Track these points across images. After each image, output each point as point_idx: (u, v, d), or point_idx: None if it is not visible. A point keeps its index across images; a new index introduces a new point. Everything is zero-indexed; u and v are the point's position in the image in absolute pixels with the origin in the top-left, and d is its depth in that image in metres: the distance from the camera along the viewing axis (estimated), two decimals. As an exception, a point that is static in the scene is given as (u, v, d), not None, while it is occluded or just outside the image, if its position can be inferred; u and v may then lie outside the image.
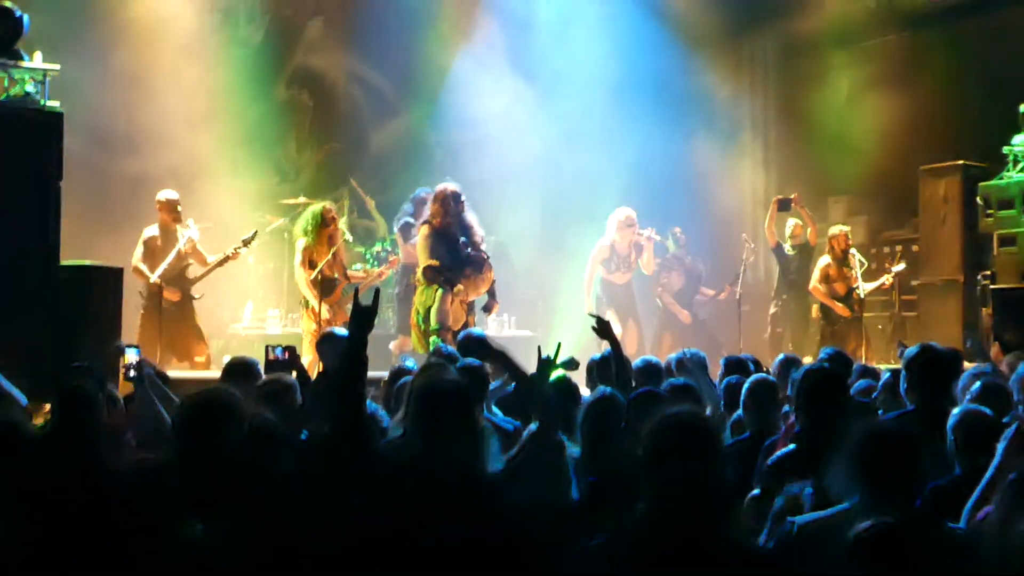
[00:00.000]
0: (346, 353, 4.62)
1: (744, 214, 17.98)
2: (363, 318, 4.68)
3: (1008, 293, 11.96)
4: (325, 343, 8.33)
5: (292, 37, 16.37)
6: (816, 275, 13.85)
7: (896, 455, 4.04)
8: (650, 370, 7.64)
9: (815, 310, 14.10)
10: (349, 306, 11.11)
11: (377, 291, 5.21)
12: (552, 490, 5.00)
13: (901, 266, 13.95)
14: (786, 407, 6.41)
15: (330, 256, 11.68)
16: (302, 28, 16.38)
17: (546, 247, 15.24)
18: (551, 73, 16.78)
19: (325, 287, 11.66)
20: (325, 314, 11.53)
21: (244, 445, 4.17)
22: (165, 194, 12.04)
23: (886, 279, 13.90)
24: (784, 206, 14.37)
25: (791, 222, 14.51)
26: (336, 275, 11.84)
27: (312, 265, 11.71)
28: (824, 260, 13.90)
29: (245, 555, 3.25)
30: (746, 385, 6.41)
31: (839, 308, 13.66)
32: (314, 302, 11.60)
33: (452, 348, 7.90)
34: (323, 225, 11.78)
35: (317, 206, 12.15)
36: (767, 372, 7.54)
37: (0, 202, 9.01)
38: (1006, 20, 15.26)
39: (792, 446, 5.45)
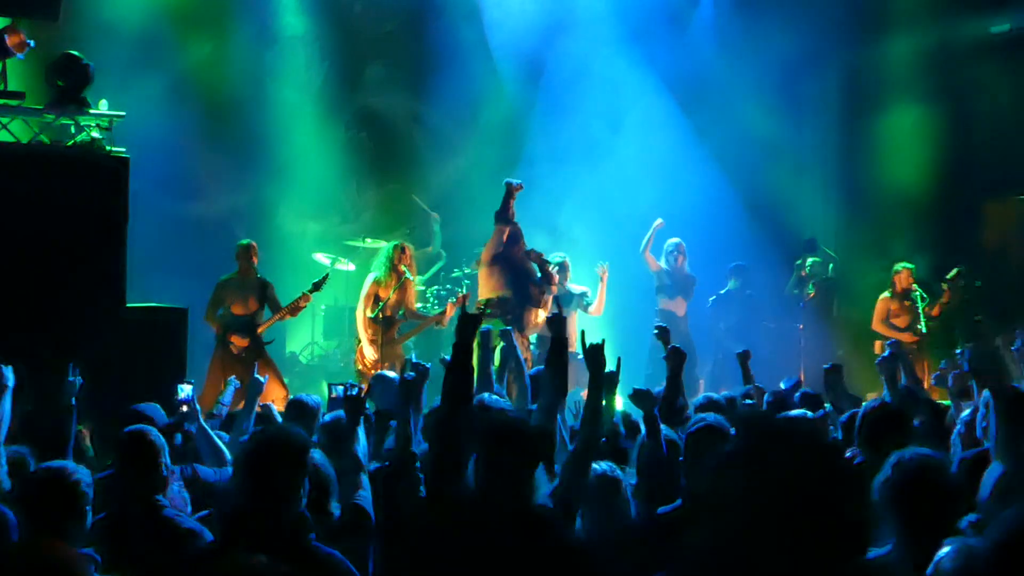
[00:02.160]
0: (452, 365, 4.71)
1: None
2: (467, 326, 4.86)
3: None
4: (378, 384, 8.40)
5: (352, 79, 16.52)
6: (877, 312, 13.76)
7: (935, 497, 3.97)
8: (712, 407, 7.64)
9: (878, 346, 13.92)
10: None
11: (487, 301, 5.35)
12: (607, 519, 5.01)
13: (955, 271, 13.73)
14: None
15: (392, 293, 11.78)
16: (362, 70, 16.54)
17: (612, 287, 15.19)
18: (611, 110, 16.83)
19: (385, 324, 11.77)
20: (371, 355, 11.66)
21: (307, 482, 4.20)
22: (243, 241, 12.16)
23: (945, 295, 13.71)
24: (810, 247, 14.33)
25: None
26: (397, 313, 11.94)
27: (377, 300, 11.83)
28: (884, 295, 13.80)
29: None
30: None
31: (904, 336, 13.48)
32: (364, 340, 11.73)
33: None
34: (395, 262, 11.90)
35: (392, 243, 12.27)
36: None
37: (68, 245, 9.14)
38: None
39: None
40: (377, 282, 11.93)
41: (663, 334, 7.73)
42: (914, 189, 16.07)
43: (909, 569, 3.39)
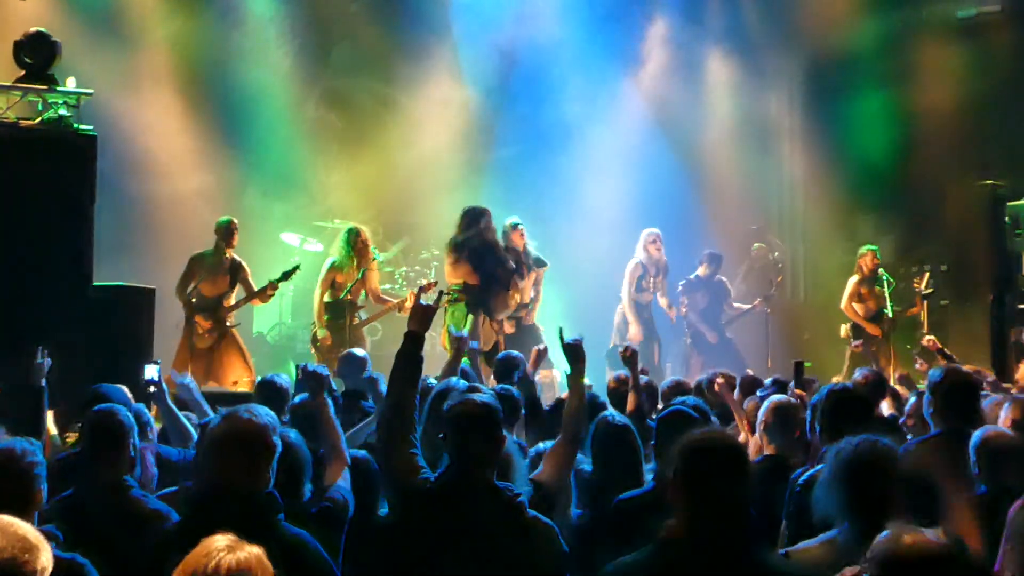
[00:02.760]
0: (402, 353, 4.73)
1: (773, 233, 17.99)
2: (421, 317, 4.90)
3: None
4: (345, 364, 8.40)
5: (320, 59, 16.46)
6: (847, 294, 13.82)
7: (881, 481, 4.04)
8: (679, 391, 7.70)
9: (844, 330, 14.04)
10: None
11: (441, 293, 5.39)
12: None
13: (930, 290, 13.86)
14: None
15: (359, 277, 11.77)
16: (330, 50, 16.48)
17: (580, 267, 15.23)
18: (578, 94, 16.88)
19: (348, 308, 11.81)
20: (324, 337, 11.72)
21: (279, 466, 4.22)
22: (223, 219, 12.09)
23: (916, 303, 13.83)
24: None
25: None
26: (358, 298, 11.95)
27: (335, 285, 11.84)
28: (853, 279, 13.87)
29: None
30: (765, 406, 6.28)
31: (871, 328, 13.63)
32: (318, 324, 11.79)
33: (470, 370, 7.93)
34: (353, 246, 11.88)
35: (349, 227, 12.25)
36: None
37: (35, 224, 9.11)
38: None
39: (820, 466, 5.44)
40: (335, 267, 11.94)
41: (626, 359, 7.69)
42: (879, 171, 16.19)
43: (857, 553, 3.47)
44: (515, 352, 8.54)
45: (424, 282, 12.57)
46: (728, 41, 16.75)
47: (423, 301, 4.98)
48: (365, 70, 16.62)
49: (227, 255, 11.86)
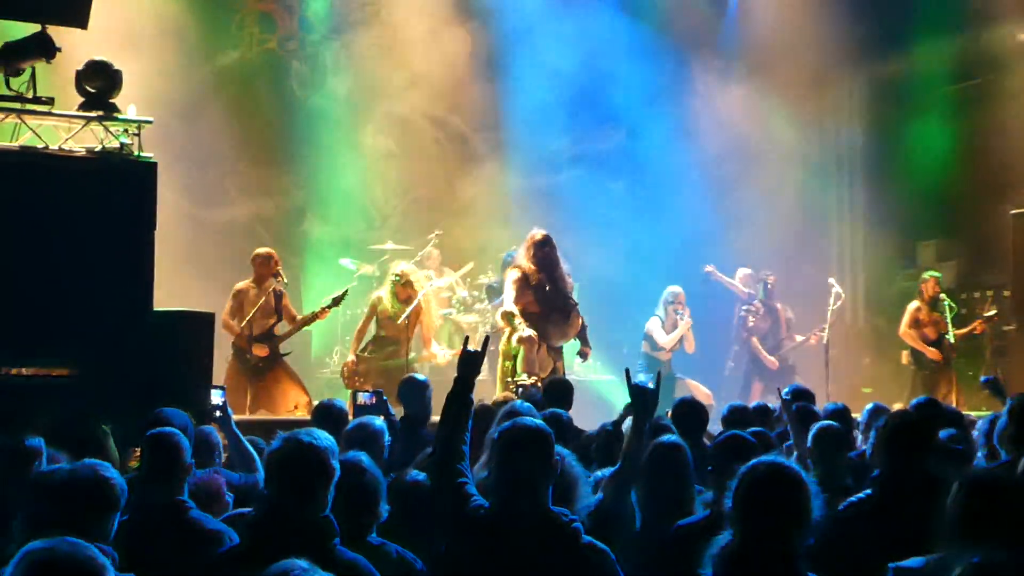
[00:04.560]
0: (452, 396, 4.74)
1: (830, 258, 17.87)
2: (469, 363, 4.88)
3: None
4: (406, 387, 8.39)
5: (377, 86, 16.56)
6: (906, 319, 13.70)
7: (998, 506, 3.91)
8: (737, 416, 7.62)
9: (905, 356, 13.92)
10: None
11: (487, 338, 5.40)
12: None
13: (993, 311, 13.76)
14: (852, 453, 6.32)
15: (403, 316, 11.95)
16: (388, 77, 16.58)
17: (631, 289, 15.22)
18: (635, 115, 16.91)
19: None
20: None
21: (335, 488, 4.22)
22: (262, 250, 12.22)
23: (976, 325, 13.72)
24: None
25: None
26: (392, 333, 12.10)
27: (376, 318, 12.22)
28: (913, 305, 13.76)
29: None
30: (812, 431, 6.24)
31: (931, 352, 13.51)
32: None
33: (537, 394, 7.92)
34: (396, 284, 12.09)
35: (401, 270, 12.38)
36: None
37: (96, 251, 9.17)
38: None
39: (867, 491, 5.37)
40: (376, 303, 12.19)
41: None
42: (940, 197, 16.06)
43: None
44: (566, 378, 8.51)
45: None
46: (785, 66, 16.65)
47: (470, 348, 4.98)
48: (423, 95, 16.69)
49: (268, 284, 11.95)
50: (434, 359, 12.46)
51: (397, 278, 12.11)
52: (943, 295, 13.75)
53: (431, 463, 4.88)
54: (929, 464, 5.18)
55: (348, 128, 16.23)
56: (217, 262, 14.16)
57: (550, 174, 16.53)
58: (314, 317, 11.99)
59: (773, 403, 8.82)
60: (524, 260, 11.36)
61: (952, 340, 13.45)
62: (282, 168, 15.87)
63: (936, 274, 14.11)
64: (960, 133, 16.24)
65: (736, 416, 7.61)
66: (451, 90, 16.45)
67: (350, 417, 7.25)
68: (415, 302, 12.06)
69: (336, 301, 11.91)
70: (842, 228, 18.20)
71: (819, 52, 16.65)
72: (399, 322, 11.95)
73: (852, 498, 5.36)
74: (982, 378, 8.07)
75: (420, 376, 8.83)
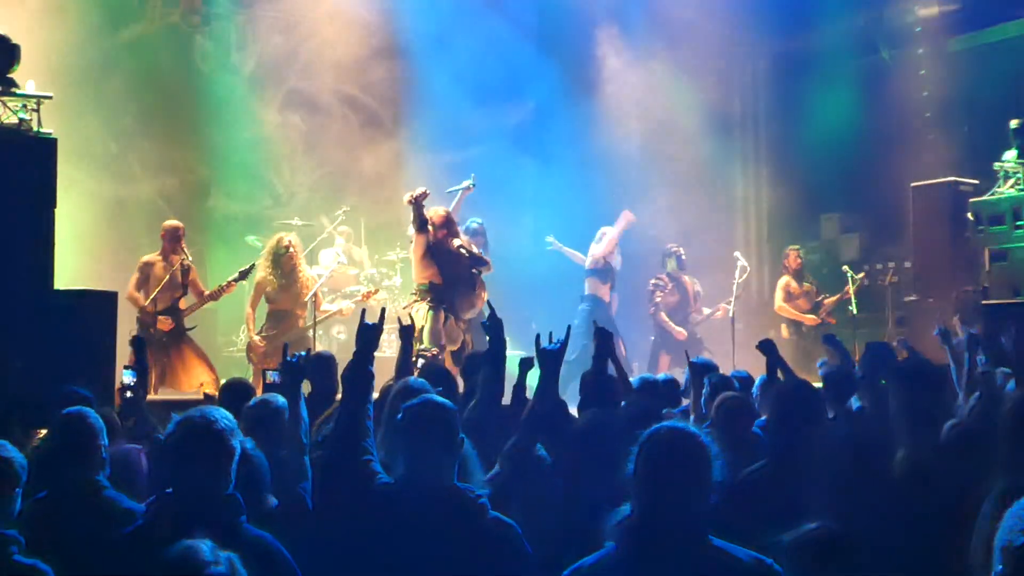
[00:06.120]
0: (351, 371, 4.73)
1: (737, 232, 18.08)
2: (367, 336, 4.87)
3: (1000, 308, 11.99)
4: (311, 363, 8.33)
5: (283, 62, 16.40)
6: (779, 295, 14.27)
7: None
8: (648, 387, 7.68)
9: (784, 329, 14.39)
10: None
11: (383, 310, 5.40)
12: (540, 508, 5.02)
13: (893, 279, 14.24)
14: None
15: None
16: (293, 53, 16.42)
17: (539, 265, 15.30)
18: (543, 91, 16.94)
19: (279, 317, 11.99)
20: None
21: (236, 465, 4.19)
22: (170, 223, 12.10)
23: (846, 291, 14.24)
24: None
25: None
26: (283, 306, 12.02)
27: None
28: (783, 279, 14.53)
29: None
30: (717, 400, 6.34)
31: (808, 320, 14.19)
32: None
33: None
34: (276, 255, 12.01)
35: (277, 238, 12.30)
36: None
37: (-5, 228, 9.01)
38: (994, 38, 15.40)
39: (763, 461, 5.45)
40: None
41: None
42: (844, 171, 16.30)
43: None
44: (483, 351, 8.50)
45: (364, 292, 12.68)
46: (692, 36, 16.76)
47: (368, 321, 4.98)
48: (330, 71, 16.55)
49: (175, 257, 11.83)
50: (321, 302, 12.36)
51: (281, 250, 12.04)
52: (846, 266, 14.17)
53: (333, 439, 4.86)
54: (819, 433, 5.23)
55: (253, 104, 16.06)
56: (120, 239, 13.97)
57: (458, 150, 16.48)
58: (221, 291, 11.91)
59: (681, 377, 8.90)
60: (429, 234, 11.38)
61: (855, 311, 13.83)
62: (186, 144, 15.65)
63: (796, 247, 14.96)
64: (863, 107, 16.49)
65: (647, 389, 7.68)
66: (358, 66, 16.31)
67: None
68: (324, 278, 12.06)
69: (243, 275, 11.86)
70: (747, 202, 18.41)
71: (725, 28, 16.81)
72: (305, 299, 11.91)
73: (750, 468, 5.42)
74: (935, 329, 8.20)
75: (325, 351, 8.80)
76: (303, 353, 5.71)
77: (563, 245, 15.16)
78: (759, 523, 4.22)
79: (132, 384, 6.80)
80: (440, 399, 4.47)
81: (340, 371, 7.39)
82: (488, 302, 5.61)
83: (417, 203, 11.44)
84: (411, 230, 11.64)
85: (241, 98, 15.93)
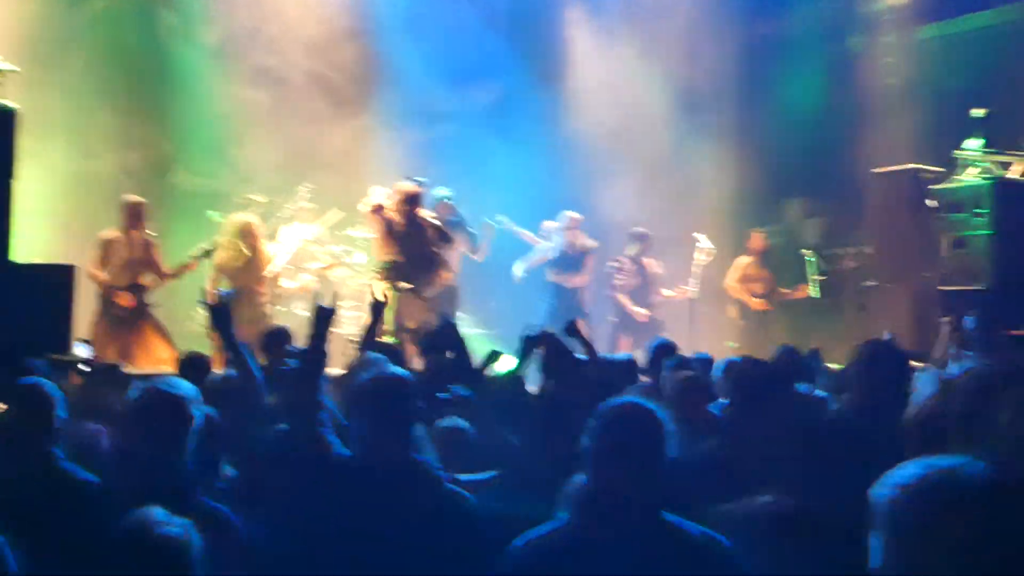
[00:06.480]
0: (307, 348, 4.75)
1: (701, 215, 18.10)
2: (321, 316, 4.88)
3: (959, 295, 12.09)
4: (268, 338, 8.33)
5: (248, 38, 16.28)
6: (733, 273, 14.34)
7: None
8: (607, 367, 7.69)
9: (731, 310, 14.54)
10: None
11: (335, 294, 5.43)
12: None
13: (854, 265, 14.37)
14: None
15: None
16: (259, 29, 16.31)
17: (504, 245, 15.28)
18: (511, 72, 16.93)
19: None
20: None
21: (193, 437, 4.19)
22: (130, 198, 12.01)
23: (800, 289, 14.51)
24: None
25: None
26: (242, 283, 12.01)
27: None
28: (743, 260, 14.70)
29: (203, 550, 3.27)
30: (674, 381, 6.42)
31: (754, 303, 14.40)
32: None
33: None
34: (238, 237, 11.98)
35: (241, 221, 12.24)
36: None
37: (-49, 199, 8.94)
38: (961, 28, 15.50)
39: (718, 438, 5.47)
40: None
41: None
42: (808, 156, 16.38)
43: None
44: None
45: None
46: (660, 19, 16.78)
47: (322, 303, 5.00)
48: (297, 49, 16.45)
49: (136, 234, 11.75)
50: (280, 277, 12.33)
51: (244, 232, 11.99)
52: (806, 250, 14.26)
53: (288, 412, 4.87)
54: (775, 413, 5.25)
55: (218, 79, 15.93)
56: (80, 214, 13.87)
57: (424, 128, 16.44)
58: (183, 268, 11.82)
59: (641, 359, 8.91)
60: (392, 211, 11.37)
61: (816, 294, 13.97)
62: (149, 119, 15.53)
63: (761, 230, 15.06)
64: (829, 93, 16.58)
65: (606, 368, 7.69)
66: (324, 43, 16.22)
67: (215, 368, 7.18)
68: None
69: (206, 252, 11.78)
70: (711, 185, 18.43)
71: (693, 11, 16.82)
72: (264, 272, 11.87)
73: (706, 445, 5.43)
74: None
75: (280, 325, 8.79)
76: (229, 292, 5.76)
77: (514, 224, 15.11)
78: (712, 499, 4.25)
79: (87, 358, 6.77)
80: (398, 371, 4.48)
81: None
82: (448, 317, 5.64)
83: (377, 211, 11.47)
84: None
85: (205, 73, 15.82)
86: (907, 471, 2.41)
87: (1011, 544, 2.29)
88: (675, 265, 15.28)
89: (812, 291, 14.05)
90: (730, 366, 7.36)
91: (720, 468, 5.00)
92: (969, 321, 7.82)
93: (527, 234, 15.10)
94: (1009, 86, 14.32)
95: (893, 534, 2.38)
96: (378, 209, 11.40)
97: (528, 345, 5.38)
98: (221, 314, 5.54)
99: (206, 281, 12.27)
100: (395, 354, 7.04)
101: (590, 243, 14.39)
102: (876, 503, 2.41)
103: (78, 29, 14.89)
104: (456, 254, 13.12)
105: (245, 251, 11.99)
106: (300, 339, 5.76)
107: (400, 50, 16.24)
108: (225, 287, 12.11)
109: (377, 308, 7.79)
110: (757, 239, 14.92)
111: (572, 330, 7.17)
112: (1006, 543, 2.28)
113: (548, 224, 14.91)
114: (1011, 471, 2.40)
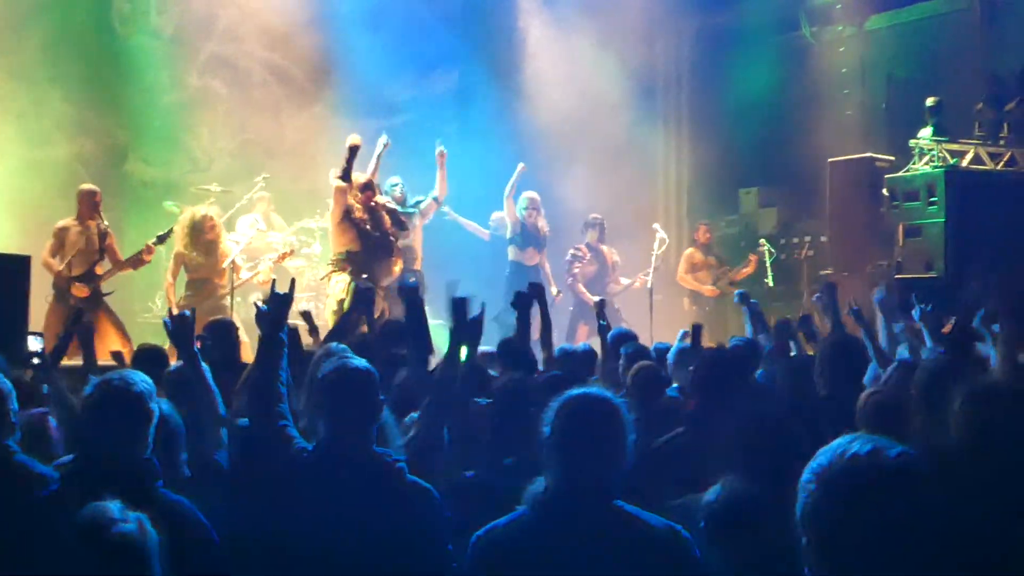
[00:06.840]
0: (264, 338, 4.73)
1: (657, 205, 18.18)
2: (278, 304, 4.83)
3: (914, 282, 12.20)
4: (213, 330, 8.27)
5: (204, 26, 16.19)
6: (681, 266, 14.54)
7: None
8: (566, 357, 7.71)
9: (685, 302, 14.68)
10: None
11: (293, 280, 5.38)
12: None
13: (809, 253, 14.53)
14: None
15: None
16: (215, 17, 16.22)
17: (462, 235, 15.29)
18: (467, 61, 16.93)
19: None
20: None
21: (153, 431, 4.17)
22: (86, 187, 11.90)
23: (750, 263, 14.69)
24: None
25: None
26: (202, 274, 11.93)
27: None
28: (688, 251, 15.03)
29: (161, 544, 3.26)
30: (632, 370, 6.43)
31: (707, 290, 14.65)
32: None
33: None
34: (196, 229, 11.89)
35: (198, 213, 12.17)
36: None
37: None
38: (912, 16, 15.63)
39: (679, 429, 5.51)
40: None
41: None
42: (763, 145, 16.47)
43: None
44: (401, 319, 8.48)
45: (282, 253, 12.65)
46: (615, 8, 16.82)
47: (279, 291, 4.97)
48: (252, 38, 16.38)
49: (92, 223, 11.66)
50: (240, 270, 12.25)
51: (201, 225, 11.92)
52: (763, 239, 14.41)
53: (248, 405, 4.85)
54: (737, 402, 5.27)
55: (173, 68, 15.86)
56: (35, 202, 13.76)
57: (381, 118, 16.38)
58: (139, 257, 11.72)
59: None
60: (350, 200, 11.34)
61: (772, 284, 14.07)
62: (103, 107, 15.42)
63: (706, 222, 15.46)
64: (784, 83, 16.67)
65: (565, 359, 7.71)
66: (280, 32, 16.16)
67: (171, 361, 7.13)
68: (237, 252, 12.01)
69: (161, 239, 11.73)
70: (668, 175, 18.52)
71: (648, 2, 16.86)
72: (223, 265, 11.83)
73: (666, 435, 5.45)
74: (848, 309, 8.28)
75: (227, 317, 8.75)
76: (186, 312, 5.71)
77: (459, 216, 15.09)
78: (673, 490, 4.27)
79: (39, 351, 6.70)
80: (361, 363, 4.46)
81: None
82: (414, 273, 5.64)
83: (352, 152, 11.42)
84: (332, 185, 11.53)
85: (160, 62, 15.73)
86: (821, 458, 2.45)
87: (919, 531, 2.33)
88: (633, 253, 15.32)
89: (768, 280, 14.15)
90: (682, 352, 7.42)
91: (682, 458, 5.03)
92: (879, 293, 8.00)
93: (472, 225, 15.11)
94: (958, 74, 14.46)
95: (811, 523, 2.42)
96: (345, 175, 11.33)
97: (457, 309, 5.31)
98: (182, 331, 5.49)
99: (165, 273, 12.20)
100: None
101: (544, 226, 14.41)
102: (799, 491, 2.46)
103: (31, 16, 14.75)
104: (419, 239, 13.08)
105: (202, 246, 11.88)
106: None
107: (357, 40, 16.17)
108: (184, 281, 12.02)
109: (365, 296, 7.78)
110: (701, 231, 15.25)
111: (521, 301, 7.18)
112: (915, 531, 2.33)
113: (496, 215, 14.92)
114: (929, 458, 2.45)
